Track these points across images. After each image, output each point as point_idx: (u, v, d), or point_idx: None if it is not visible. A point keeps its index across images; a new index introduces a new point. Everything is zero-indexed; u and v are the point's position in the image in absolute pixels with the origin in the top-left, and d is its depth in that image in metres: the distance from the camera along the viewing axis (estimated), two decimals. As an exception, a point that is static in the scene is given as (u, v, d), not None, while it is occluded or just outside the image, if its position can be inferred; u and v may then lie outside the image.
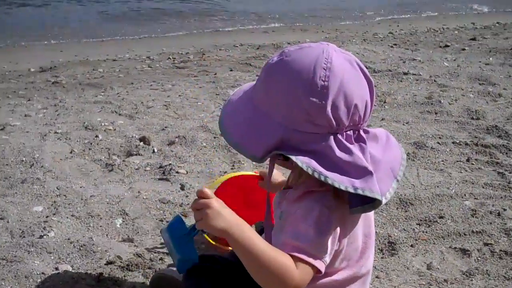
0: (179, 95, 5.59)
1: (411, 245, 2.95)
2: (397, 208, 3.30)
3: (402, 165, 1.92)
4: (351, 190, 1.74)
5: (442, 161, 3.95)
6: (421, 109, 5.08)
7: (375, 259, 2.82)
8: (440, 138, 4.36)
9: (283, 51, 1.88)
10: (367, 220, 2.01)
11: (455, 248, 2.93)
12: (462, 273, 2.73)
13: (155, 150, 4.11)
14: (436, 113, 4.95)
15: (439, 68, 6.64)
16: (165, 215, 3.20)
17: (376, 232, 2.99)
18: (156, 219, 3.16)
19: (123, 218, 3.16)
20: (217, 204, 1.82)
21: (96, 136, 4.34)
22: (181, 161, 3.93)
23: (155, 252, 2.83)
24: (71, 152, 4.07)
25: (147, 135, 4.34)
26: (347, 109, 1.79)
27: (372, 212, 2.03)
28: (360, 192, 1.74)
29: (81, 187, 3.53)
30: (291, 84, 1.80)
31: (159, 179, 3.68)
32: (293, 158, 1.76)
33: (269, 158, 1.86)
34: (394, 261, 2.83)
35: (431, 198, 3.38)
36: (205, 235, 2.66)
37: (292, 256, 1.80)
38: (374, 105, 5.27)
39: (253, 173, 2.74)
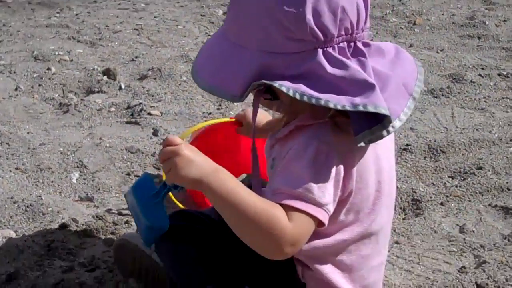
0: (155, 17, 5.57)
1: (441, 203, 2.98)
2: (425, 157, 3.31)
3: (418, 80, 1.91)
4: (349, 108, 1.72)
5: (484, 97, 3.96)
6: (461, 32, 5.06)
7: (395, 221, 2.85)
8: (482, 69, 4.35)
9: None
10: (381, 162, 2.01)
11: (496, 206, 2.94)
12: (503, 237, 2.74)
13: (122, 86, 4.12)
14: (479, 38, 4.94)
15: (487, -21, 6.59)
16: (133, 168, 3.22)
17: (397, 187, 3.03)
18: (122, 173, 3.18)
19: (80, 172, 3.18)
20: (187, 150, 1.82)
21: (48, 69, 4.34)
22: (154, 100, 3.95)
23: (119, 214, 2.84)
24: (16, 89, 4.08)
25: (112, 67, 4.35)
26: (332, 14, 1.78)
27: (389, 153, 2.05)
28: (360, 108, 1.72)
29: (28, 132, 3.55)
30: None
31: (127, 122, 3.70)
32: (276, 85, 1.76)
33: (252, 96, 1.87)
34: (418, 222, 2.84)
35: (468, 144, 3.40)
36: (171, 195, 2.69)
37: (284, 206, 1.79)
38: (401, 27, 5.20)
39: (229, 119, 2.75)
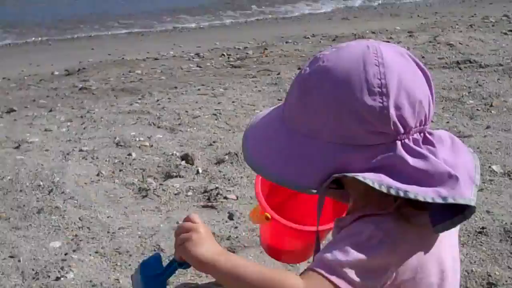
0: (233, 102, 5.67)
1: (518, 288, 2.94)
2: (501, 240, 3.27)
3: (477, 167, 1.93)
4: (439, 201, 1.73)
5: (562, 180, 3.91)
6: (538, 113, 5.03)
7: (470, 305, 2.83)
8: (561, 150, 4.31)
9: (316, 56, 1.89)
10: (443, 251, 2.01)
11: None
12: None
13: (200, 171, 4.20)
14: (557, 119, 4.90)
15: None
16: (209, 251, 3.25)
17: (471, 271, 3.01)
18: (198, 256, 3.22)
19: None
20: (204, 229, 1.88)
21: (129, 155, 4.46)
22: (230, 184, 4.01)
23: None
24: (98, 175, 4.19)
25: (190, 152, 4.44)
26: (412, 108, 1.79)
27: (453, 240, 2.05)
28: (451, 201, 1.73)
29: (108, 217, 3.63)
30: (338, 91, 1.81)
31: (203, 206, 3.76)
32: (361, 178, 1.75)
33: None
34: (494, 308, 2.82)
35: (546, 227, 3.35)
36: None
37: (317, 273, 1.79)
38: (477, 109, 5.19)
39: None
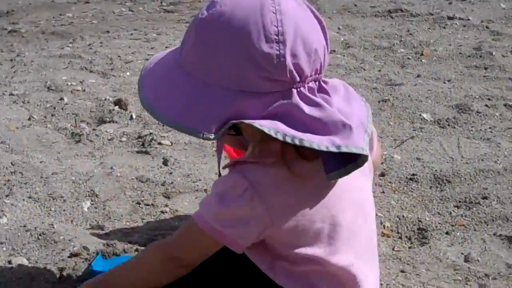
0: (166, 47, 5.61)
1: (446, 232, 3.00)
2: (431, 186, 3.35)
3: (369, 116, 1.97)
4: (333, 149, 1.77)
5: (490, 128, 4.00)
6: (468, 63, 5.11)
7: (401, 249, 2.88)
8: (489, 99, 4.39)
9: (214, 0, 1.89)
10: (338, 198, 2.04)
11: (501, 235, 2.96)
12: (507, 266, 2.76)
13: (134, 116, 4.18)
14: (485, 68, 4.98)
15: (494, 10, 6.64)
16: (143, 197, 3.25)
17: (403, 216, 3.07)
18: (133, 202, 3.22)
19: (91, 201, 3.21)
20: None
21: (61, 99, 4.40)
22: (165, 130, 4.00)
23: (129, 242, 2.87)
24: (29, 119, 4.13)
25: (124, 97, 4.40)
26: (308, 57, 1.81)
27: (357, 183, 2.09)
28: (344, 149, 1.77)
29: (41, 162, 3.59)
30: (236, 36, 1.80)
31: (137, 152, 3.74)
32: (257, 125, 1.77)
33: None
34: (424, 251, 2.86)
35: (474, 174, 3.43)
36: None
37: (190, 221, 1.98)
38: (408, 57, 5.24)
39: None
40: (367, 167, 2.11)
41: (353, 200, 2.07)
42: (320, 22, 1.90)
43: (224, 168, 1.99)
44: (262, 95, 1.81)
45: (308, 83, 1.84)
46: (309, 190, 1.95)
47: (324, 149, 1.77)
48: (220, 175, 2.04)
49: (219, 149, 2.03)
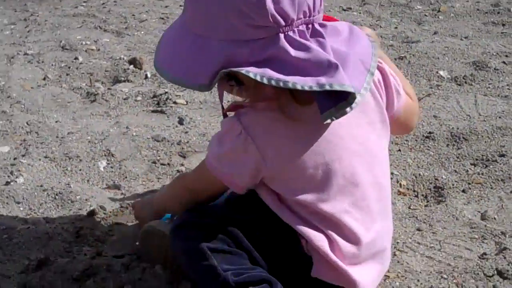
0: (180, 5, 5.58)
1: (463, 190, 2.99)
2: (447, 144, 3.33)
3: (374, 55, 1.97)
4: (316, 88, 1.78)
5: (508, 85, 3.97)
6: (485, 19, 5.06)
7: (417, 207, 2.88)
8: (506, 56, 4.36)
9: None
10: (333, 144, 2.05)
11: (517, 193, 2.96)
12: (524, 223, 2.77)
13: (149, 75, 4.17)
14: (503, 25, 4.93)
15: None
16: (159, 156, 3.25)
17: (419, 174, 3.06)
18: (149, 161, 3.22)
19: (107, 160, 3.22)
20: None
21: (76, 58, 4.40)
22: (180, 89, 3.98)
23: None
24: (44, 79, 4.14)
25: (138, 56, 4.39)
26: (290, 0, 1.84)
27: (359, 130, 2.10)
28: (327, 87, 1.78)
29: (56, 121, 3.60)
30: None
31: (153, 111, 3.74)
32: (243, 71, 1.82)
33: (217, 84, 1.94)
34: (440, 209, 2.85)
35: (491, 131, 3.41)
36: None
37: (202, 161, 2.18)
38: (425, 14, 5.19)
39: None
40: (378, 116, 2.14)
41: (353, 149, 2.08)
42: None
43: (226, 111, 2.06)
44: (249, 43, 1.85)
45: (297, 27, 1.87)
46: (302, 134, 2.00)
47: (307, 88, 1.79)
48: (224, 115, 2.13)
49: (220, 98, 2.07)
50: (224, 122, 2.03)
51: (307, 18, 1.88)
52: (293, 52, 1.83)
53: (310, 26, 1.89)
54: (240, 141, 1.96)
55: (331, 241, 2.08)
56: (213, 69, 1.86)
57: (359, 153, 2.10)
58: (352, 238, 2.11)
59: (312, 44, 1.86)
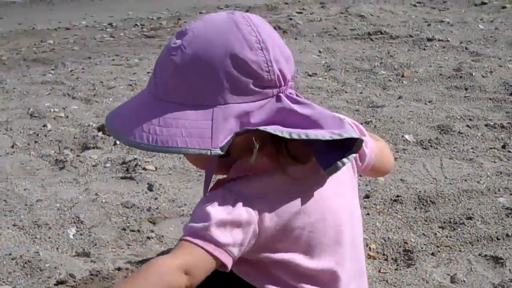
0: (148, 72, 5.63)
1: (432, 253, 2.99)
2: (415, 208, 3.35)
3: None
4: (336, 137, 1.81)
5: (472, 148, 4.00)
6: (448, 84, 5.13)
7: (387, 271, 2.88)
8: (470, 120, 4.41)
9: (183, 29, 1.91)
10: (326, 199, 2.07)
11: (486, 256, 2.96)
12: (493, 286, 2.76)
13: (117, 142, 4.17)
14: (466, 89, 5.00)
15: (473, 31, 6.68)
16: (129, 223, 3.24)
17: (388, 238, 3.07)
18: (118, 228, 3.20)
19: (77, 227, 3.19)
20: None
21: (44, 126, 4.39)
22: (149, 155, 3.99)
23: (117, 269, 2.86)
24: (12, 146, 4.12)
25: (107, 123, 4.38)
26: (286, 63, 1.88)
27: (341, 189, 2.12)
28: (346, 135, 1.82)
29: (25, 189, 3.57)
30: (221, 53, 1.84)
31: (122, 177, 3.73)
32: (262, 128, 1.81)
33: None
34: (410, 273, 2.85)
35: (457, 194, 3.42)
36: None
37: (186, 241, 1.89)
38: (389, 79, 5.25)
39: None
40: (351, 173, 2.16)
41: (334, 208, 2.10)
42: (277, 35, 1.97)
43: (210, 191, 2.00)
44: (257, 104, 1.85)
45: (289, 89, 1.89)
46: (293, 193, 1.98)
47: (328, 138, 1.81)
48: (206, 184, 2.08)
49: (210, 170, 2.03)
50: (213, 195, 1.94)
51: (292, 82, 1.91)
52: (299, 109, 1.85)
53: (292, 89, 1.92)
54: (239, 206, 1.90)
55: None
56: (225, 134, 1.82)
57: (340, 212, 2.12)
58: None
59: (308, 101, 1.89)
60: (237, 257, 1.97)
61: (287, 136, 1.81)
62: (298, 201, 2.01)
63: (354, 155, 1.90)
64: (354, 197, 2.21)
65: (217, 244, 1.89)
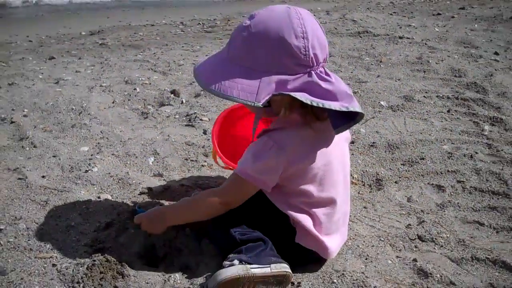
0: (206, 55, 5.58)
1: (395, 182, 2.98)
2: (385, 151, 3.32)
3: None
4: (344, 109, 1.82)
5: (426, 111, 3.94)
6: (412, 68, 5.04)
7: (364, 193, 2.86)
8: (426, 92, 4.34)
9: (252, 14, 1.91)
10: (333, 150, 2.06)
11: (432, 184, 2.95)
12: (436, 205, 2.75)
13: (184, 101, 4.15)
14: (424, 72, 4.91)
15: (430, 33, 6.54)
16: (189, 155, 3.24)
17: (366, 171, 3.04)
18: (182, 158, 3.21)
19: (154, 157, 3.20)
20: (146, 219, 2.22)
21: (135, 89, 4.38)
22: (204, 110, 3.97)
23: (181, 185, 2.87)
24: (113, 102, 4.12)
25: (177, 88, 4.38)
26: (320, 49, 1.87)
27: (342, 142, 2.10)
28: (351, 109, 1.83)
29: (120, 131, 3.58)
30: (275, 36, 1.83)
31: (186, 125, 3.72)
32: (292, 94, 1.81)
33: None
34: (380, 194, 2.85)
35: (415, 142, 3.39)
36: (218, 161, 2.68)
37: (233, 175, 2.02)
38: (371, 63, 5.16)
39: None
40: (346, 133, 2.15)
41: (337, 154, 2.10)
42: (322, 28, 1.94)
43: (257, 137, 2.01)
44: (293, 76, 1.84)
45: (320, 68, 1.88)
46: (316, 143, 1.98)
47: (338, 109, 1.82)
48: (253, 139, 2.07)
49: (257, 116, 2.08)
50: (258, 141, 1.96)
51: (324, 63, 1.90)
52: (323, 84, 1.84)
53: (323, 68, 1.91)
54: (273, 153, 1.92)
55: (313, 219, 2.07)
56: (266, 93, 1.81)
57: (340, 157, 2.13)
58: (330, 216, 2.11)
59: (332, 79, 1.87)
60: (271, 186, 1.99)
61: (308, 102, 1.82)
62: (318, 148, 2.01)
63: (356, 124, 1.92)
64: (346, 146, 2.20)
65: (255, 179, 1.96)
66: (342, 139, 2.16)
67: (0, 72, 5.01)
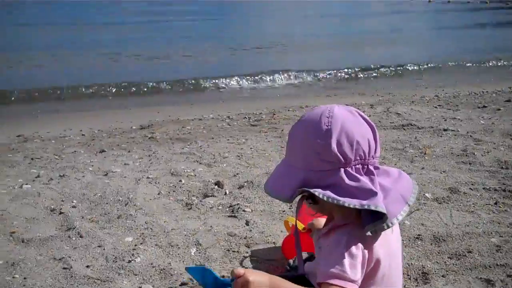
0: (251, 148, 5.68)
1: (442, 275, 2.89)
2: (431, 243, 3.24)
3: (413, 193, 1.94)
4: (358, 206, 1.79)
5: (473, 204, 3.86)
6: (457, 160, 4.99)
7: (409, 287, 2.78)
8: (472, 184, 4.26)
9: (303, 114, 1.97)
10: (391, 247, 2.00)
11: (481, 278, 2.85)
12: (486, 300, 2.64)
13: (227, 192, 4.19)
14: (470, 164, 4.85)
15: (476, 125, 6.51)
16: (231, 246, 3.24)
17: (411, 263, 2.98)
18: (224, 249, 3.20)
19: (197, 248, 3.21)
20: (251, 276, 1.81)
21: (180, 181, 4.46)
22: (247, 202, 3.99)
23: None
24: (158, 194, 4.19)
25: (221, 180, 4.43)
26: (350, 145, 1.85)
27: (398, 243, 2.04)
28: (366, 207, 1.78)
29: (164, 221, 3.62)
30: (304, 134, 1.91)
31: (229, 216, 3.74)
32: (311, 190, 1.83)
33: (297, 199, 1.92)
34: (426, 289, 2.76)
35: (462, 235, 3.31)
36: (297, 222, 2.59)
37: (327, 284, 1.82)
38: (415, 156, 5.09)
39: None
40: (398, 233, 2.09)
41: (396, 251, 2.05)
42: (369, 124, 1.94)
43: (324, 232, 1.97)
44: (319, 172, 1.85)
45: (355, 165, 1.86)
46: (377, 238, 1.92)
47: (352, 206, 1.79)
48: (296, 232, 2.12)
49: (297, 209, 2.08)
50: (338, 238, 1.87)
51: (363, 160, 1.88)
52: (347, 181, 1.83)
53: (365, 166, 1.88)
54: (359, 249, 1.86)
55: None
56: (294, 187, 1.86)
57: (398, 254, 2.08)
58: None
59: (363, 178, 1.85)
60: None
61: (324, 199, 1.81)
62: (382, 246, 1.94)
63: (383, 225, 1.83)
64: (399, 241, 2.13)
65: (352, 281, 1.84)
66: (396, 234, 2.10)
67: (53, 165, 5.18)
